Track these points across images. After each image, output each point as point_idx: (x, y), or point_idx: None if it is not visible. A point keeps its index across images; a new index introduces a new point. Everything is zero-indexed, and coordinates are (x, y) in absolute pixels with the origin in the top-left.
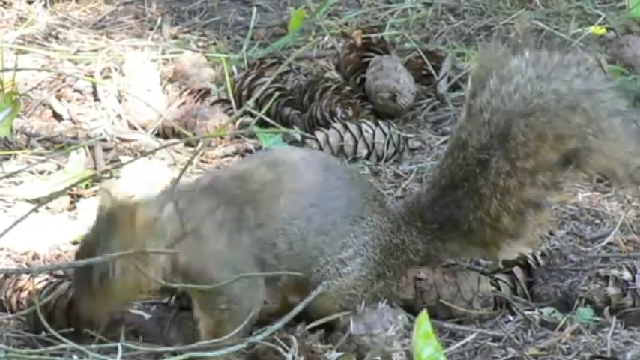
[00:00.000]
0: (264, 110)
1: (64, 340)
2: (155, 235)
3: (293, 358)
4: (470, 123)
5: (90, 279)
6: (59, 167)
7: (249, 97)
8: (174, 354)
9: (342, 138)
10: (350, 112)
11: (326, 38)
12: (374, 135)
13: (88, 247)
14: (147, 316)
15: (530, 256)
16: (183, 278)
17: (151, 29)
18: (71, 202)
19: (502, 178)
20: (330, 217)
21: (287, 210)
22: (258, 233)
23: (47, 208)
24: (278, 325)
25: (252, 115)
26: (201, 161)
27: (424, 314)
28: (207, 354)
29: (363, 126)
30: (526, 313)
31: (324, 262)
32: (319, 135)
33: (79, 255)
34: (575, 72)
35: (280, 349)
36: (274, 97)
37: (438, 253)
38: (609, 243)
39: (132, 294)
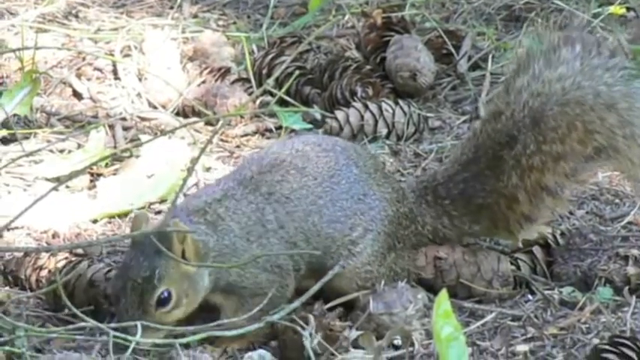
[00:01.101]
0: (284, 89)
1: (85, 318)
2: (201, 257)
3: (311, 335)
4: (506, 99)
5: (146, 305)
6: (79, 146)
7: (269, 75)
8: (193, 333)
9: (362, 117)
10: (370, 91)
11: (346, 17)
12: (394, 114)
13: (142, 272)
14: None
15: (550, 236)
16: (222, 293)
17: (171, 8)
18: (91, 181)
19: (526, 156)
20: (338, 204)
21: (300, 207)
22: (280, 233)
23: (67, 187)
24: (295, 304)
25: (272, 94)
26: (222, 140)
27: (444, 293)
28: (227, 333)
29: (383, 105)
30: (546, 292)
31: (335, 248)
32: (339, 114)
33: (118, 277)
34: (619, 75)
35: (298, 328)
36: (294, 75)
37: (445, 230)
38: (629, 222)
39: (182, 317)
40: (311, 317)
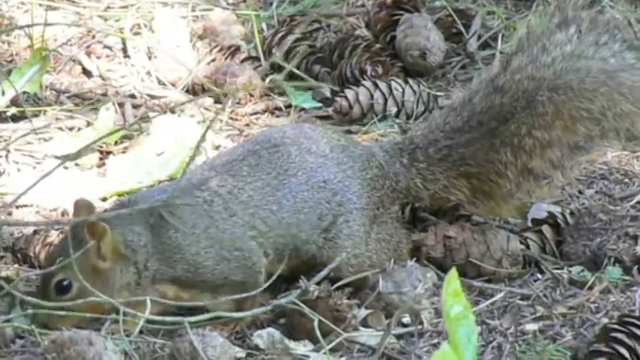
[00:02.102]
0: (293, 63)
1: (97, 292)
2: (120, 255)
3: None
4: (504, 76)
5: (45, 289)
6: (88, 124)
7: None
8: (201, 312)
9: (371, 96)
10: (380, 70)
11: None
12: (403, 93)
13: (51, 257)
14: None
15: (559, 215)
16: (174, 285)
17: None
18: (100, 159)
19: (519, 137)
20: (299, 196)
21: (255, 197)
22: (233, 220)
23: (76, 165)
24: (299, 291)
25: (281, 69)
26: (231, 118)
27: (453, 272)
28: (234, 315)
29: (393, 84)
30: (555, 272)
31: (306, 236)
32: (349, 93)
33: (46, 259)
34: (615, 48)
35: (306, 311)
36: (303, 54)
37: (417, 193)
38: (638, 202)
39: (90, 311)
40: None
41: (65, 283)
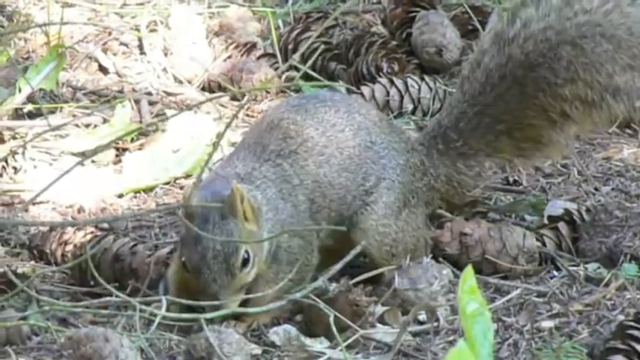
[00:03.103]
0: (309, 63)
1: (114, 290)
2: (257, 217)
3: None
4: (512, 29)
5: (233, 268)
6: (105, 120)
7: (295, 51)
8: (216, 308)
9: (387, 93)
10: (396, 67)
11: None
12: (419, 90)
13: (204, 238)
14: None
15: (575, 212)
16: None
17: None
18: (116, 156)
19: (553, 80)
20: (346, 152)
21: (309, 159)
22: (302, 188)
23: (93, 162)
24: (317, 282)
25: (297, 69)
26: (247, 115)
27: (469, 269)
28: (250, 310)
29: (409, 81)
30: (571, 269)
31: (351, 199)
32: (365, 90)
33: (193, 250)
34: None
35: (322, 306)
36: (319, 51)
37: (460, 176)
38: None
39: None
40: (329, 284)
41: (246, 255)
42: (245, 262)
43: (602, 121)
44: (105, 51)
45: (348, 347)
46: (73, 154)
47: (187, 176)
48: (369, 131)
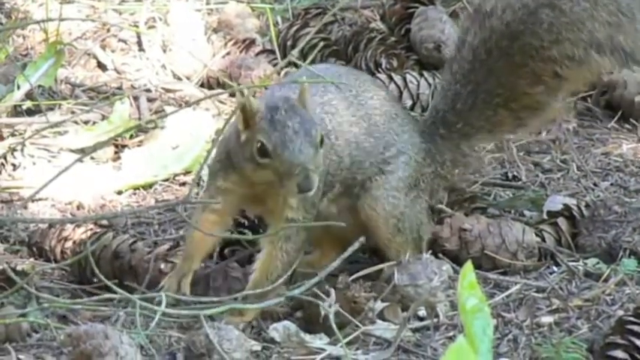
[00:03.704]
0: (308, 60)
1: (114, 287)
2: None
3: (330, 306)
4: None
5: (312, 138)
6: (103, 117)
7: (293, 47)
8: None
9: (386, 88)
10: (394, 63)
11: None
12: (418, 86)
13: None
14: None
15: (574, 208)
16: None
17: None
18: (115, 152)
19: (538, 44)
20: (372, 119)
21: (345, 117)
22: (336, 145)
23: (92, 158)
24: (315, 279)
25: (296, 66)
26: None
27: (468, 265)
28: (249, 306)
29: (408, 77)
30: (570, 264)
31: (368, 164)
32: None
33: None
34: None
35: (319, 303)
36: (319, 47)
37: (465, 159)
38: None
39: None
40: (332, 291)
41: (320, 135)
42: (321, 140)
43: (593, 75)
44: (103, 48)
45: (348, 343)
46: (72, 151)
47: (186, 173)
48: (393, 104)
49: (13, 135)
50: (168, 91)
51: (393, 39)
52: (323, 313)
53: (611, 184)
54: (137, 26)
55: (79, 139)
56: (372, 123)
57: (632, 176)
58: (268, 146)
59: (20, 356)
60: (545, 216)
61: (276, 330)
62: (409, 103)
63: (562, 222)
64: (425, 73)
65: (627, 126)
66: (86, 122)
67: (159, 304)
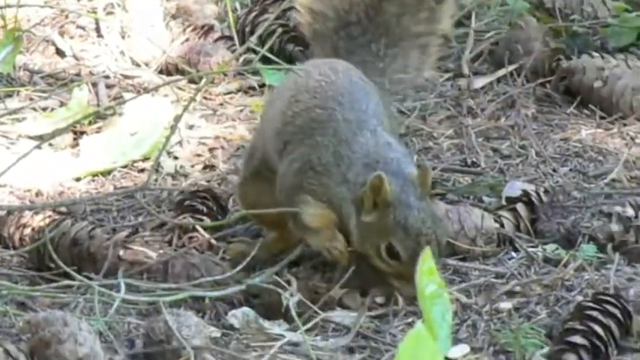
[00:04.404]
0: (267, 46)
1: (73, 273)
2: None
3: (292, 295)
4: None
5: (441, 249)
6: (62, 104)
7: (252, 33)
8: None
9: None
10: None
11: None
12: None
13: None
14: (151, 254)
15: (533, 193)
16: None
17: None
18: (74, 139)
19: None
20: None
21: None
22: None
23: (50, 145)
24: (275, 268)
25: (255, 52)
26: (205, 98)
27: (427, 251)
28: (209, 294)
29: None
30: (529, 250)
31: None
32: None
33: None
34: None
35: (281, 292)
36: (277, 33)
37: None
38: (613, 180)
39: None
40: (293, 279)
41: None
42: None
43: None
44: (62, 34)
45: (308, 330)
46: (31, 138)
47: (145, 159)
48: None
49: None
50: (126, 77)
51: None
52: (285, 302)
53: (570, 170)
54: (95, 13)
55: (37, 126)
56: None
57: (591, 162)
58: (401, 253)
59: None
60: (504, 202)
61: (235, 316)
62: None
63: (521, 208)
64: None
65: (586, 112)
66: (44, 109)
67: (118, 291)
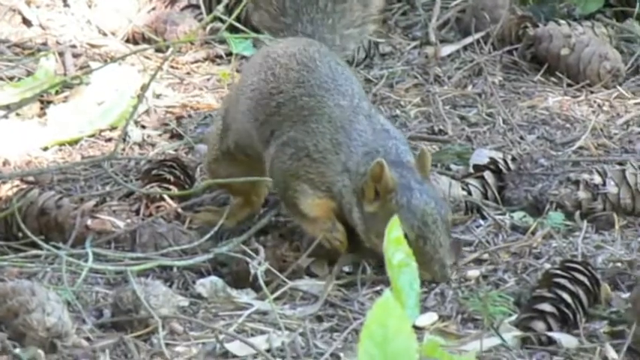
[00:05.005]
0: (233, 15)
1: (40, 243)
2: None
3: (260, 264)
4: None
5: (448, 226)
6: (29, 73)
7: (219, 2)
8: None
9: None
10: None
11: None
12: None
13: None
14: (119, 223)
15: (500, 161)
16: None
17: None
18: (41, 109)
19: None
20: None
21: None
22: None
23: (17, 115)
24: (243, 237)
25: (222, 21)
26: (171, 67)
27: (395, 220)
28: (176, 263)
29: None
30: (497, 217)
31: None
32: None
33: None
34: None
35: (249, 261)
36: (244, 2)
37: (348, 31)
38: (580, 147)
39: None
40: (261, 248)
41: None
42: None
43: None
44: (28, 4)
45: (276, 299)
46: None
47: (112, 128)
48: None
49: None
50: (93, 46)
51: None
52: (253, 271)
53: (537, 138)
54: None
55: (4, 96)
56: None
57: (558, 129)
58: (408, 235)
59: None
60: (471, 170)
61: (203, 285)
62: None
63: (488, 175)
64: None
65: (553, 79)
66: (11, 78)
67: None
